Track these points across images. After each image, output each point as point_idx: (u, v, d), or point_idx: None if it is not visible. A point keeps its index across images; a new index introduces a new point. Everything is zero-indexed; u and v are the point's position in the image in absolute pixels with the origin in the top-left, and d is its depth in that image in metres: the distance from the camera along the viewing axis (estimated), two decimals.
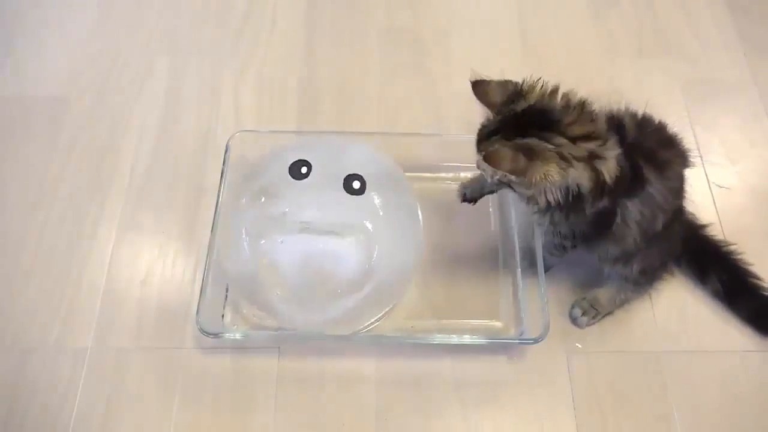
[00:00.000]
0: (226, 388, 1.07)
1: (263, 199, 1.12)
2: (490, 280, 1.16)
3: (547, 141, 0.86)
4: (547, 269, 1.11)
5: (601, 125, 0.89)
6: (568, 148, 0.86)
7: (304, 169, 1.11)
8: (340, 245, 1.08)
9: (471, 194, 1.12)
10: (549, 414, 1.06)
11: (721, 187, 1.26)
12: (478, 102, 0.93)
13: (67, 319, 1.14)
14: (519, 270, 1.13)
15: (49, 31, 1.51)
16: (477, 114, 1.35)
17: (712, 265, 1.13)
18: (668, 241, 1.04)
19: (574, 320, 1.13)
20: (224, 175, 1.16)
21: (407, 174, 1.17)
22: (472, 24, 1.53)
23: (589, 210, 0.91)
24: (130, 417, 1.05)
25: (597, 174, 0.87)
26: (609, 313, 1.13)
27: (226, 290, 1.14)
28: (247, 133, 1.23)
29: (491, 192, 1.11)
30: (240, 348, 1.10)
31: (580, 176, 0.86)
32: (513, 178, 0.87)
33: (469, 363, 1.09)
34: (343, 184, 1.09)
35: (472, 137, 1.23)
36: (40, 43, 1.49)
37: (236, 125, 1.34)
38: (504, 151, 0.86)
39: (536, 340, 1.02)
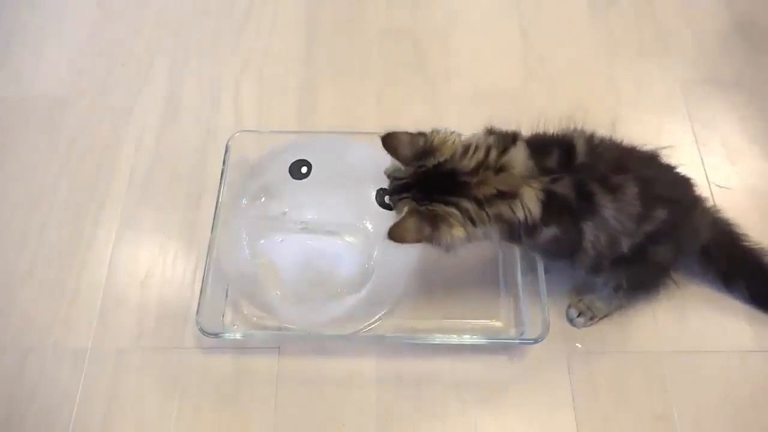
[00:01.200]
0: (227, 387, 1.07)
1: (263, 199, 1.12)
2: (490, 280, 1.16)
3: (454, 206, 0.87)
4: (546, 271, 1.10)
5: (515, 174, 0.88)
6: (475, 212, 0.87)
7: (304, 169, 1.11)
8: (339, 245, 1.08)
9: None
10: (549, 414, 1.06)
11: (720, 187, 1.25)
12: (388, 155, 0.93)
13: (67, 319, 1.14)
14: (519, 270, 1.12)
15: (49, 31, 1.51)
16: (477, 114, 1.35)
17: (740, 271, 1.12)
18: (642, 266, 1.02)
19: (570, 321, 1.13)
20: (224, 175, 1.16)
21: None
22: (471, 23, 1.53)
23: (530, 241, 0.92)
24: (130, 417, 1.05)
25: (509, 225, 0.88)
26: (606, 316, 1.12)
27: (227, 290, 1.14)
28: (247, 133, 1.23)
29: None
30: (240, 348, 1.10)
31: (490, 231, 0.89)
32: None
33: (469, 363, 1.09)
34: (376, 196, 1.09)
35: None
36: (39, 43, 1.49)
37: (236, 125, 1.34)
38: (407, 224, 0.87)
39: (536, 340, 1.02)
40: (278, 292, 1.07)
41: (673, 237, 1.00)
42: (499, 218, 0.88)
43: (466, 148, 0.90)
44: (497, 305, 1.14)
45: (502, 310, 1.13)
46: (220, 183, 1.15)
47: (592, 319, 1.12)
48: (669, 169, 1.01)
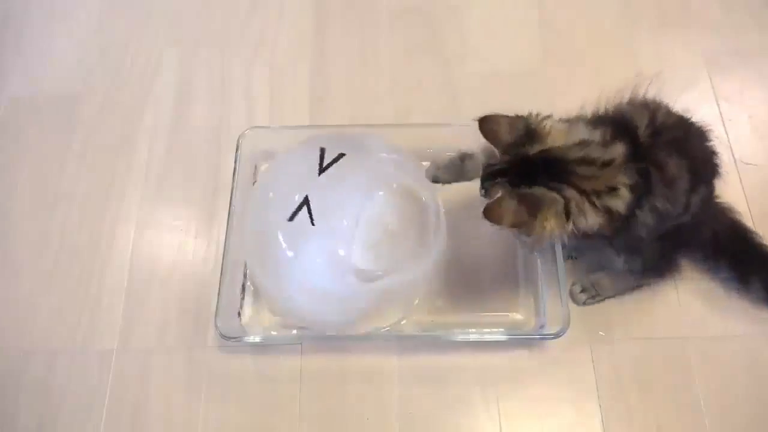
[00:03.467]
0: (251, 384, 1.08)
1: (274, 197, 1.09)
2: (509, 272, 1.15)
3: (557, 192, 0.83)
4: (574, 257, 1.11)
5: (618, 166, 0.85)
6: (576, 202, 0.83)
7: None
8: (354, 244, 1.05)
9: (444, 178, 1.03)
10: (574, 404, 1.05)
11: (747, 164, 1.21)
12: (484, 139, 0.88)
13: (92, 320, 1.15)
14: (539, 261, 1.10)
15: (57, 28, 1.50)
16: (492, 97, 1.32)
17: (755, 271, 1.09)
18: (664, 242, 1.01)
19: (572, 296, 1.11)
20: (236, 173, 1.15)
21: (424, 164, 1.14)
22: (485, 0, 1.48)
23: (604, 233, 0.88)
24: (159, 417, 1.07)
25: (610, 216, 0.85)
26: (610, 297, 1.11)
27: (242, 291, 1.14)
28: (258, 129, 1.22)
29: (469, 179, 1.03)
30: (263, 346, 1.10)
31: (589, 223, 0.84)
32: (514, 230, 0.85)
33: (491, 356, 1.08)
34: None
35: None
36: (48, 41, 1.48)
37: (248, 117, 1.33)
38: (505, 204, 0.83)
39: (557, 335, 1.02)
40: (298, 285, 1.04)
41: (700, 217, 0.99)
42: (609, 211, 0.84)
43: (581, 141, 0.86)
44: (517, 297, 1.13)
45: (522, 302, 1.12)
46: (233, 182, 1.15)
47: (594, 297, 1.10)
48: (711, 150, 0.98)
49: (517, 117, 0.87)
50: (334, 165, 1.06)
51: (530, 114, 0.88)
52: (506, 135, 0.86)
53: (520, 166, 0.85)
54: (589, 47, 1.39)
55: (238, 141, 1.19)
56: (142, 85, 1.39)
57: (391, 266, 1.04)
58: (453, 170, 1.02)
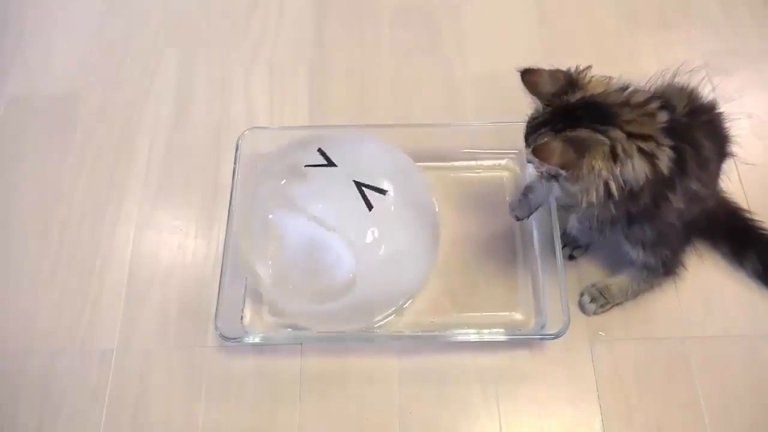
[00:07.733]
0: (251, 384, 1.08)
1: (283, 182, 1.08)
2: (509, 271, 1.15)
3: (601, 133, 0.83)
4: (573, 257, 1.12)
5: (658, 123, 0.86)
6: (622, 143, 0.83)
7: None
8: (339, 242, 1.03)
9: (521, 214, 1.12)
10: (573, 403, 1.05)
11: (747, 164, 1.21)
12: (526, 93, 0.90)
13: (92, 320, 1.15)
14: (538, 259, 1.11)
15: (56, 27, 1.49)
16: (492, 97, 1.32)
17: (751, 244, 1.11)
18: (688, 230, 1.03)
19: (581, 307, 1.11)
20: (236, 174, 1.15)
21: (422, 164, 1.15)
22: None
23: (645, 200, 0.89)
24: (159, 417, 1.07)
25: (654, 167, 0.84)
26: (618, 304, 1.11)
27: (243, 291, 1.14)
28: (257, 130, 1.21)
29: (538, 207, 1.11)
30: (263, 346, 1.10)
31: (636, 170, 0.84)
32: (562, 171, 0.85)
33: (491, 355, 1.08)
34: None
35: (486, 124, 1.22)
36: (48, 41, 1.47)
37: (248, 117, 1.33)
38: (553, 144, 0.83)
39: (556, 336, 1.01)
40: (270, 262, 1.05)
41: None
42: (654, 161, 0.84)
43: (623, 87, 0.88)
44: (517, 297, 1.12)
45: (522, 302, 1.12)
46: (232, 183, 1.14)
47: (603, 306, 1.10)
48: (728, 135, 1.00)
49: (558, 70, 0.89)
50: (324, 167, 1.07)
51: (570, 68, 0.89)
52: (547, 86, 0.88)
53: (563, 114, 0.86)
54: (589, 47, 1.40)
55: (237, 141, 1.18)
56: (142, 85, 1.39)
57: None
58: (524, 205, 1.10)
